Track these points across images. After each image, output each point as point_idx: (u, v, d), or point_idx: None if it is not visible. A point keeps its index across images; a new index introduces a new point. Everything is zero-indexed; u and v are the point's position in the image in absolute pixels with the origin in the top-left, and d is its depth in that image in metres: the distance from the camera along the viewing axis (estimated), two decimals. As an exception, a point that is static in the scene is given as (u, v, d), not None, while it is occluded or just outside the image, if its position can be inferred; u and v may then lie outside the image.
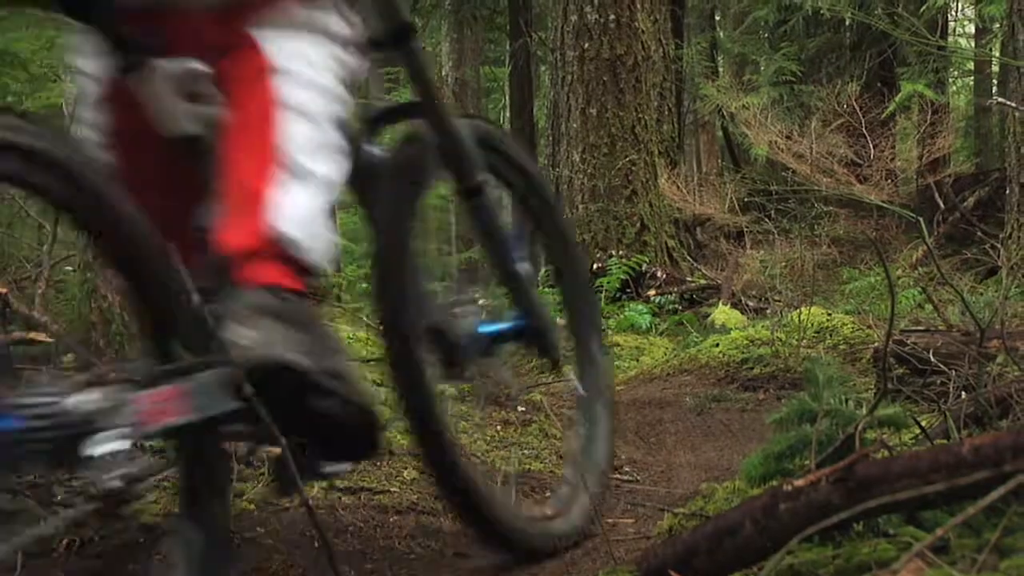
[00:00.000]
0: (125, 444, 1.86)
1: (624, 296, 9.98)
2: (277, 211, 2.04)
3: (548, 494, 3.23)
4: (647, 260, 10.21)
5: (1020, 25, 7.65)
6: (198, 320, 2.01)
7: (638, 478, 4.24)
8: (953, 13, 17.38)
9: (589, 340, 3.29)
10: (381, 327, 2.47)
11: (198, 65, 2.15)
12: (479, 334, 2.81)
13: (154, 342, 2.02)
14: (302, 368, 1.98)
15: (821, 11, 13.04)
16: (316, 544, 2.92)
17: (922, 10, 12.10)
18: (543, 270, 2.88)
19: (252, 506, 3.14)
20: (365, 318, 9.01)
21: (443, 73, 18.37)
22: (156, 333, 2.02)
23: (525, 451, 4.51)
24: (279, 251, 2.05)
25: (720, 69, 17.54)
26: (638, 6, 10.64)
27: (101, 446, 1.84)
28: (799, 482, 1.75)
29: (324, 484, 3.37)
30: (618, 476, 4.25)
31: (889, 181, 10.75)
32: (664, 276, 10.19)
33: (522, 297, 2.99)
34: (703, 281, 10.52)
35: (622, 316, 9.37)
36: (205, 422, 1.96)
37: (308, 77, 2.14)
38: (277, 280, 2.05)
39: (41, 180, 1.87)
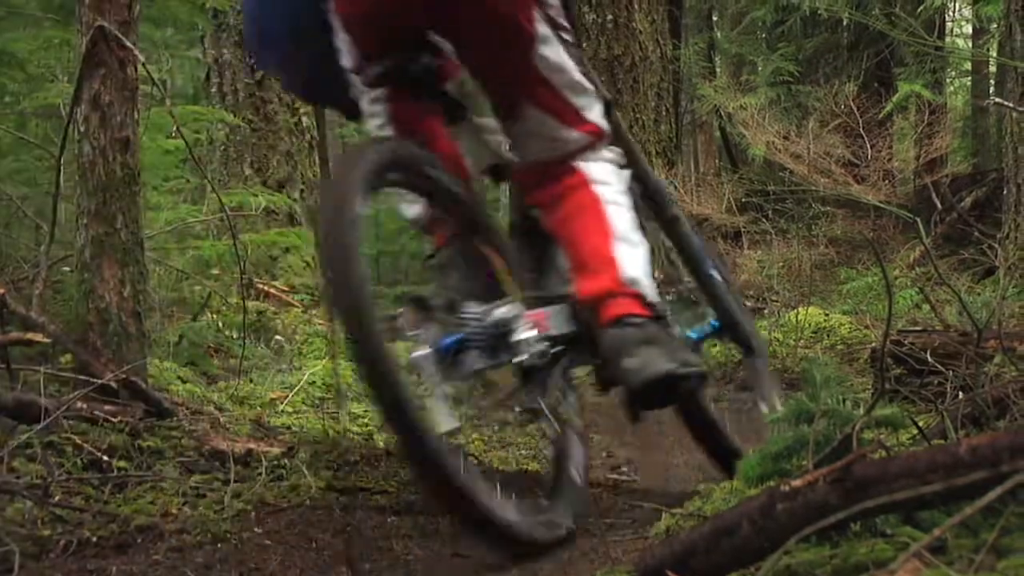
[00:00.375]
0: (534, 331, 2.91)
1: (622, 296, 9.96)
2: (622, 265, 2.98)
3: None
4: (645, 260, 10.18)
5: (1017, 25, 7.66)
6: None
7: (636, 478, 4.24)
8: (950, 13, 17.38)
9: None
10: None
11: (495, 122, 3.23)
12: (688, 338, 3.62)
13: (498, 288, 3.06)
14: (673, 372, 2.80)
15: (818, 11, 13.04)
16: (315, 545, 2.92)
17: (919, 10, 12.10)
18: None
19: (249, 507, 3.14)
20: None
21: (441, 73, 18.32)
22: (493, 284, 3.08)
23: (523, 452, 4.51)
24: (629, 289, 2.95)
25: (718, 69, 17.52)
26: (636, 6, 10.65)
27: (522, 334, 2.90)
28: (796, 482, 1.75)
29: (322, 485, 3.38)
30: (616, 476, 4.25)
31: (886, 181, 10.74)
32: (661, 276, 10.17)
33: (716, 300, 3.81)
34: (701, 281, 10.49)
35: (619, 316, 9.33)
36: (561, 337, 3.03)
37: (613, 184, 3.17)
38: (632, 310, 2.92)
39: (418, 184, 3.00)
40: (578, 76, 3.16)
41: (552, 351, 2.99)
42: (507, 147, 3.23)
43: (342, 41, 3.12)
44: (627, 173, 3.27)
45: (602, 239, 3.04)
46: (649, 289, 3.00)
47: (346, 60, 3.16)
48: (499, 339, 2.91)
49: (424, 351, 2.74)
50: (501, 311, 2.93)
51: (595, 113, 3.20)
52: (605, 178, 3.16)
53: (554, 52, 3.08)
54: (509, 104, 3.15)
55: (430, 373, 2.72)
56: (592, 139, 3.18)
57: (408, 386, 2.52)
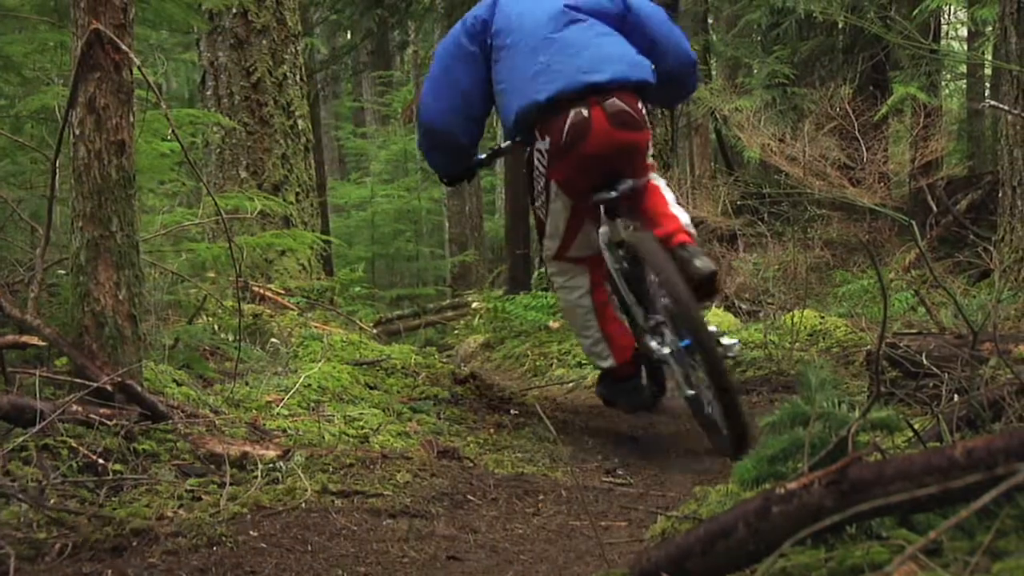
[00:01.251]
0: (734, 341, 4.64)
1: (617, 299, 9.96)
2: (679, 217, 5.03)
3: None
4: (640, 263, 10.18)
5: (1012, 28, 7.66)
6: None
7: (631, 481, 4.24)
8: (945, 16, 17.39)
9: None
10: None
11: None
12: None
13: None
14: (717, 269, 4.88)
15: (814, 14, 13.04)
16: (310, 547, 2.92)
17: (915, 13, 12.10)
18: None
19: (245, 510, 3.14)
20: (358, 321, 9.01)
21: (436, 76, 18.30)
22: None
23: (518, 455, 4.51)
24: (686, 228, 4.98)
25: (713, 72, 17.54)
26: (631, 9, 10.63)
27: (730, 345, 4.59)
28: (792, 485, 1.75)
29: (318, 488, 3.38)
30: (611, 479, 4.25)
31: (882, 184, 10.72)
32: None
33: None
34: (696, 284, 10.47)
35: (615, 319, 9.33)
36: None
37: (667, 186, 5.27)
38: (690, 240, 4.92)
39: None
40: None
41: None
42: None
43: (554, 213, 5.20)
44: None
45: (666, 206, 5.07)
46: (693, 230, 5.05)
47: (548, 249, 5.35)
48: (717, 343, 4.46)
49: (667, 350, 4.81)
50: (714, 327, 4.62)
51: (650, 159, 5.21)
52: (659, 180, 5.25)
53: (648, 147, 5.14)
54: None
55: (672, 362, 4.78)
56: (652, 169, 5.26)
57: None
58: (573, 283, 5.34)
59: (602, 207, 4.99)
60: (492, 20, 5.17)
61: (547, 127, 4.90)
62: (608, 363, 5.32)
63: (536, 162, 5.09)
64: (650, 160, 5.22)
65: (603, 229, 5.02)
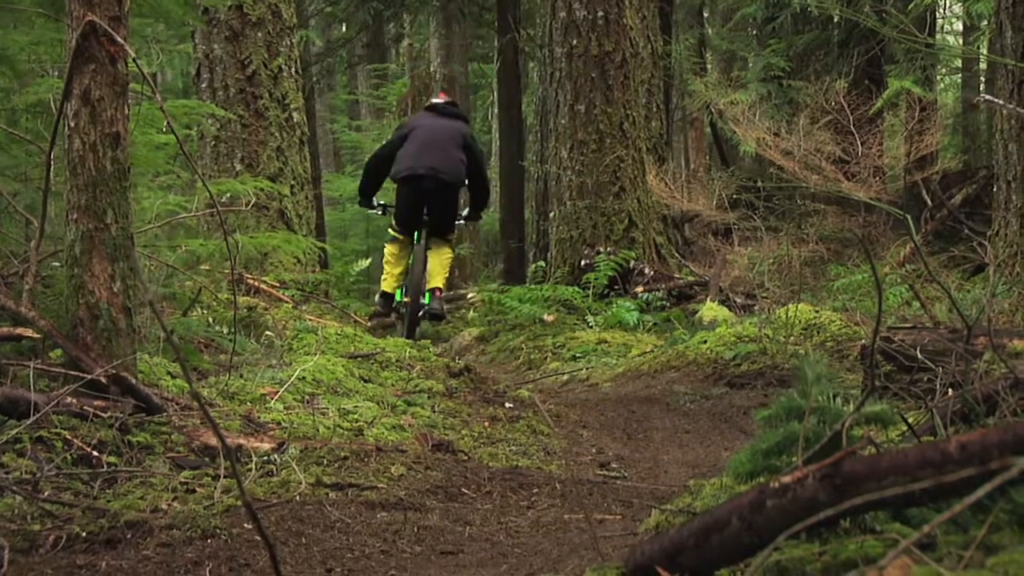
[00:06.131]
0: None
1: (612, 292, 10.00)
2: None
3: None
4: (635, 256, 10.22)
5: (1008, 23, 7.65)
6: None
7: (625, 474, 4.24)
8: (941, 10, 17.39)
9: None
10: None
11: None
12: None
13: None
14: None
15: (809, 8, 13.04)
16: (304, 540, 2.92)
17: (910, 7, 12.10)
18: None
19: (239, 502, 3.14)
20: (353, 315, 9.01)
21: (431, 69, 18.36)
22: None
23: (512, 448, 4.51)
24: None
25: (708, 65, 17.55)
26: (627, 3, 10.65)
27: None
28: (786, 479, 1.75)
29: (312, 480, 3.38)
30: (605, 472, 4.25)
31: (877, 178, 10.73)
32: (652, 273, 10.21)
33: None
34: (691, 278, 10.53)
35: (610, 312, 9.37)
36: None
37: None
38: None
39: None
40: None
41: None
42: None
43: None
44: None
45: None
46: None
47: None
48: None
49: None
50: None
51: None
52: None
53: None
54: None
55: None
56: None
57: None
58: None
59: None
60: None
61: None
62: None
63: None
64: None
65: None
